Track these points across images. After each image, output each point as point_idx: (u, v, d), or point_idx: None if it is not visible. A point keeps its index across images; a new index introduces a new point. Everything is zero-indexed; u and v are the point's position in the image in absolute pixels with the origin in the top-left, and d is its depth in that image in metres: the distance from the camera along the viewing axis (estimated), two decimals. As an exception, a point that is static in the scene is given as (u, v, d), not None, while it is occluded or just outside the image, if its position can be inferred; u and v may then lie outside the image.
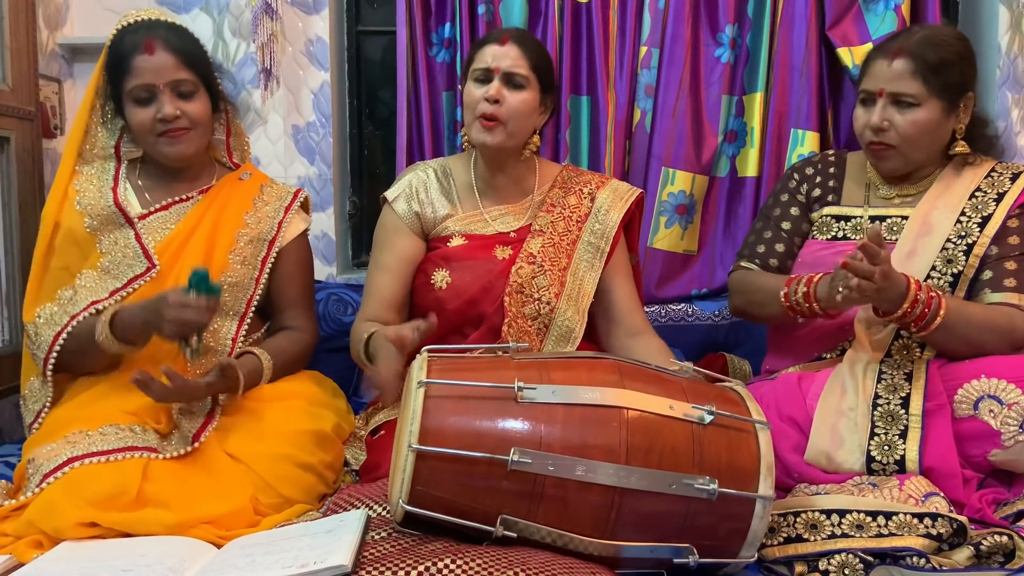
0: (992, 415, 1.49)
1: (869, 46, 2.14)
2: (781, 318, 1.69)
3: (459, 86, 2.31)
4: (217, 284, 1.51)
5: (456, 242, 1.80)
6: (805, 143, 2.25)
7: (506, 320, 1.71)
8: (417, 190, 1.84)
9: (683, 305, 2.26)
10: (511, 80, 1.72)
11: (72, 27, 2.37)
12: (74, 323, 1.61)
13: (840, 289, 1.47)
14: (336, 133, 2.45)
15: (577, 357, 1.36)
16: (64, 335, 1.61)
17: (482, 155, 1.82)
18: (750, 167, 2.33)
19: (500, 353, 1.37)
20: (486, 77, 1.73)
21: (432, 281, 1.76)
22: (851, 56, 2.22)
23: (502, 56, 1.72)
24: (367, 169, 2.58)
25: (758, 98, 2.31)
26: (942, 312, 1.51)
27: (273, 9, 2.30)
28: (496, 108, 1.71)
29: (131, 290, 1.65)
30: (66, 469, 1.41)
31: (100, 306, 1.62)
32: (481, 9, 2.29)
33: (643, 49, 2.32)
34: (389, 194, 1.86)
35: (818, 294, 1.57)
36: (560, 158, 2.34)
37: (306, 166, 2.41)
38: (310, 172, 2.41)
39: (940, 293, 1.54)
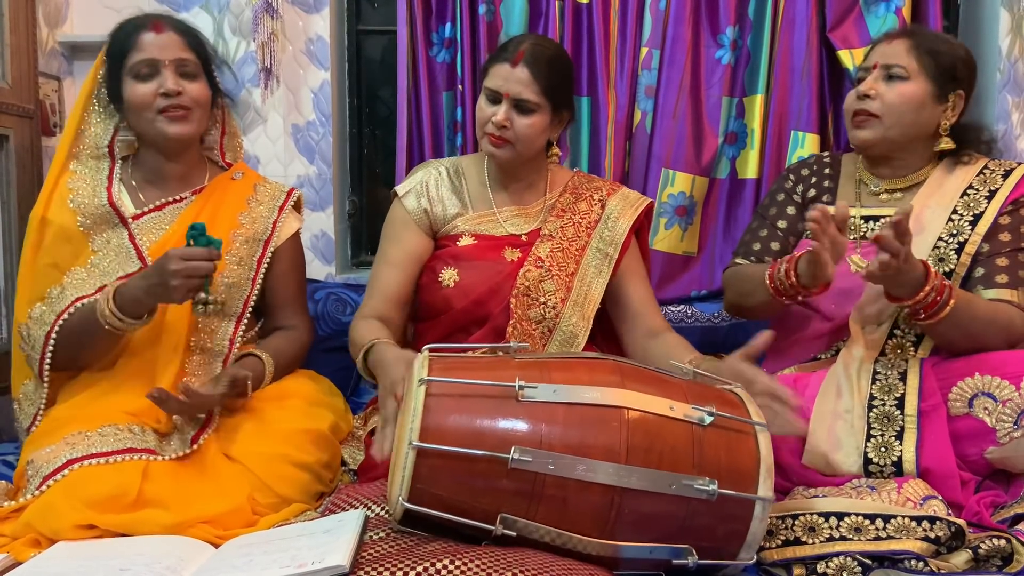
0: (987, 412, 1.49)
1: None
2: (769, 305, 1.68)
3: (459, 87, 2.32)
4: (216, 238, 1.52)
5: (465, 241, 1.80)
6: (805, 145, 2.25)
7: (511, 322, 1.71)
8: (428, 187, 1.84)
9: (682, 306, 2.26)
10: (520, 106, 1.71)
11: (72, 25, 2.36)
12: (61, 320, 1.59)
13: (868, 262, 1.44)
14: (336, 132, 2.45)
15: (578, 357, 1.36)
16: (55, 332, 1.59)
17: (494, 162, 1.83)
18: (750, 169, 2.33)
19: (501, 353, 1.37)
20: (495, 98, 1.72)
21: (440, 279, 1.75)
22: (852, 58, 2.22)
23: (512, 81, 1.69)
24: (367, 169, 2.58)
25: (758, 100, 2.31)
26: (952, 302, 1.51)
27: (273, 8, 2.30)
28: (504, 132, 1.71)
29: None
30: (65, 471, 1.40)
31: (85, 302, 1.60)
32: (482, 9, 2.28)
33: (644, 50, 2.32)
34: (400, 189, 1.86)
35: (799, 269, 1.57)
36: (560, 159, 2.33)
37: (306, 165, 2.41)
38: (310, 171, 2.41)
39: (950, 283, 1.54)
